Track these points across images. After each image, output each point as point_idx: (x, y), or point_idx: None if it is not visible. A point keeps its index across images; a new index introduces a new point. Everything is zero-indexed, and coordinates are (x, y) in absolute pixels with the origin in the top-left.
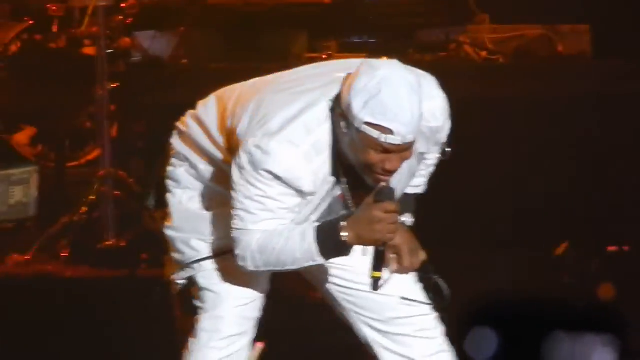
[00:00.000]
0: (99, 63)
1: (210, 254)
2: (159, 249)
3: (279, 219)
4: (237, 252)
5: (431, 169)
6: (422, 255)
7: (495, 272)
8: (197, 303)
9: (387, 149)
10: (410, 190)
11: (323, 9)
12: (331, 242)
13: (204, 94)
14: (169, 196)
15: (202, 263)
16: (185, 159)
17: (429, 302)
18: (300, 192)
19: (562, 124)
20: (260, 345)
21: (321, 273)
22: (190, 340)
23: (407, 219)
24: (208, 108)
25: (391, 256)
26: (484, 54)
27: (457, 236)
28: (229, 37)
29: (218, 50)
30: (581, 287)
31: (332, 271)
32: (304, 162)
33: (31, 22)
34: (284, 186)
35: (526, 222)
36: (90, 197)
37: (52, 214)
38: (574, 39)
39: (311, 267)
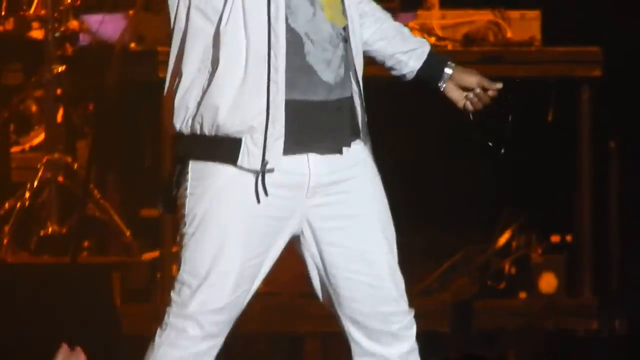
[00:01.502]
0: (46, 46)
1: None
2: (101, 236)
3: None
4: None
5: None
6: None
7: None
8: (173, 294)
9: None
10: (421, 49)
11: None
12: None
13: (152, 78)
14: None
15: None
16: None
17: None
18: None
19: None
20: None
21: (321, 242)
22: (159, 330)
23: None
24: None
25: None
26: (432, 40)
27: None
28: None
29: (166, 33)
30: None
31: (335, 250)
32: None
33: None
34: None
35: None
36: (34, 183)
37: None
38: (524, 25)
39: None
